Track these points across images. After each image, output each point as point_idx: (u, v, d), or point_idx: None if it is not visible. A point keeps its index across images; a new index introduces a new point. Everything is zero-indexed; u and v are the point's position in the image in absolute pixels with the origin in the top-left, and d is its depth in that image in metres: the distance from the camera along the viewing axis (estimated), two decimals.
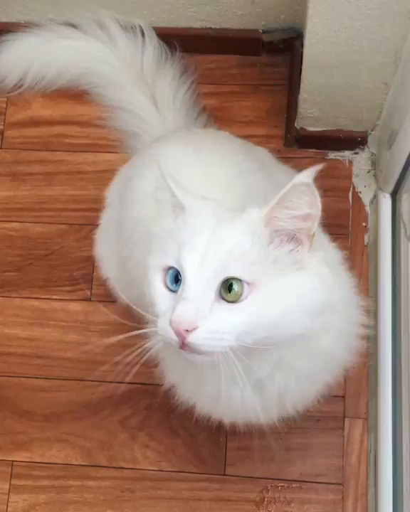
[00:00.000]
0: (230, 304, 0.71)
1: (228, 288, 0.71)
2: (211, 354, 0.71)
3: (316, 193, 0.71)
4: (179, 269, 0.73)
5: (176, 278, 0.74)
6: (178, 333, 0.70)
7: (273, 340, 0.73)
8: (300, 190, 0.70)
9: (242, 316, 0.71)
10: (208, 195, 0.92)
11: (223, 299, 0.71)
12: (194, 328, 0.70)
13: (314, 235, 0.74)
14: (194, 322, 0.70)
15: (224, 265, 0.71)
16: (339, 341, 0.84)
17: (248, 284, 0.71)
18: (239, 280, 0.71)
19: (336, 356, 0.86)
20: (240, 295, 0.71)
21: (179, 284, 0.73)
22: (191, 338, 0.70)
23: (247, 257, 0.71)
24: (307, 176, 0.70)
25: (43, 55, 1.45)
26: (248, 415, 0.92)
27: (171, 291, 0.75)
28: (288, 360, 0.76)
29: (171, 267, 0.74)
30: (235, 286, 0.71)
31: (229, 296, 0.71)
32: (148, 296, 0.78)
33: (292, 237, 0.74)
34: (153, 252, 0.79)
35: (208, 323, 0.70)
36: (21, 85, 1.49)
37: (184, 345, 0.70)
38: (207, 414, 0.98)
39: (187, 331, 0.69)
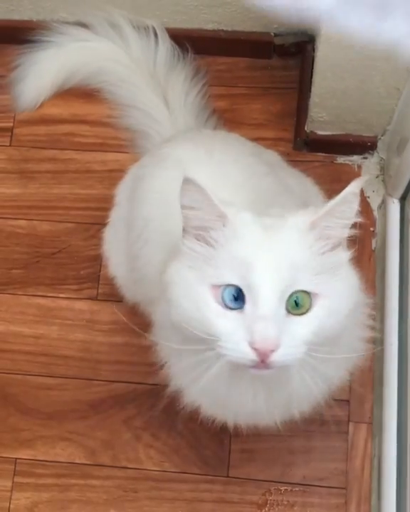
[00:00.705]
0: (297, 316, 0.72)
1: (294, 301, 0.72)
2: (282, 367, 0.73)
3: (358, 202, 0.74)
4: (243, 287, 0.72)
5: (237, 297, 0.72)
6: (262, 354, 0.70)
7: (324, 344, 0.74)
8: (350, 199, 0.73)
9: (311, 327, 0.72)
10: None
11: (289, 312, 0.72)
12: (278, 347, 0.70)
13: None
14: (278, 341, 0.70)
15: (293, 279, 0.71)
16: (349, 342, 0.85)
17: (313, 296, 0.73)
18: (306, 292, 0.72)
19: (346, 358, 0.86)
20: (308, 307, 0.73)
21: (239, 302, 0.72)
22: (275, 357, 0.70)
23: (309, 268, 0.73)
24: (356, 186, 0.73)
25: (59, 63, 1.47)
26: (258, 418, 0.92)
27: (230, 309, 0.73)
28: (312, 362, 0.77)
29: (229, 285, 0.72)
30: (303, 299, 0.72)
31: (298, 310, 0.72)
32: (193, 312, 0.74)
33: (338, 243, 0.75)
34: (186, 268, 0.76)
35: (287, 339, 0.71)
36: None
37: (262, 363, 0.71)
38: (212, 416, 0.98)
39: (272, 350, 0.70)
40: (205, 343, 0.73)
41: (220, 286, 0.73)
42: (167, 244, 0.94)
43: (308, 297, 0.73)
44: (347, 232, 0.75)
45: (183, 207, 0.75)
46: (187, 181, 0.72)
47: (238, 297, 0.72)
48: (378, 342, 1.20)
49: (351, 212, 0.74)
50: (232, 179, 0.98)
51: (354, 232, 0.76)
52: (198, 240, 0.76)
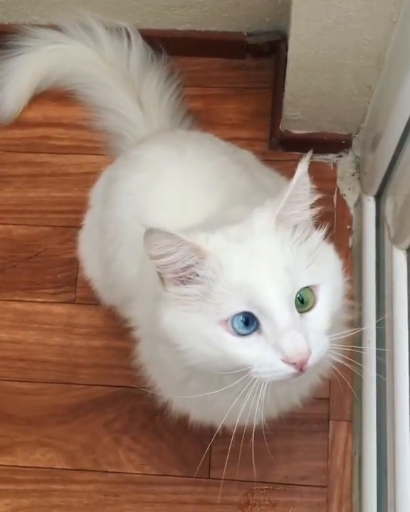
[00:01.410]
0: (308, 312, 0.72)
1: (299, 300, 0.72)
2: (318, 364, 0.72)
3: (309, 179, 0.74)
4: (251, 311, 0.70)
5: (247, 320, 0.71)
6: (301, 364, 0.69)
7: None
8: (304, 181, 0.72)
9: (325, 316, 0.73)
10: (190, 201, 0.92)
11: (299, 312, 0.72)
12: (311, 352, 0.70)
13: None
14: (309, 346, 0.69)
15: (293, 281, 0.71)
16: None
17: (314, 287, 0.72)
18: (306, 288, 0.72)
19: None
20: (314, 300, 0.72)
21: (251, 326, 0.71)
22: (311, 361, 0.70)
23: (299, 263, 0.72)
24: (305, 166, 0.72)
25: (34, 67, 1.46)
26: (258, 416, 0.92)
27: (243, 335, 0.71)
28: None
29: (236, 314, 0.71)
30: (307, 295, 0.72)
31: (306, 307, 0.72)
32: (213, 353, 0.71)
33: (308, 227, 0.75)
34: (182, 314, 0.73)
35: (314, 339, 0.71)
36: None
37: (301, 371, 0.70)
38: (203, 421, 0.98)
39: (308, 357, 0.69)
40: (233, 374, 0.72)
41: (230, 317, 0.71)
42: (141, 248, 0.93)
43: (310, 291, 0.72)
44: (311, 213, 0.75)
45: (153, 258, 0.71)
46: (150, 232, 0.69)
47: (248, 321, 0.71)
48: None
49: (307, 193, 0.73)
50: (204, 179, 0.97)
51: (316, 210, 0.76)
52: (183, 283, 0.73)
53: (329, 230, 1.38)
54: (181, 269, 0.72)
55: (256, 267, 0.70)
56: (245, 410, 0.74)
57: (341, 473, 1.28)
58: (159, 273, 0.74)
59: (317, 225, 0.78)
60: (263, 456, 1.29)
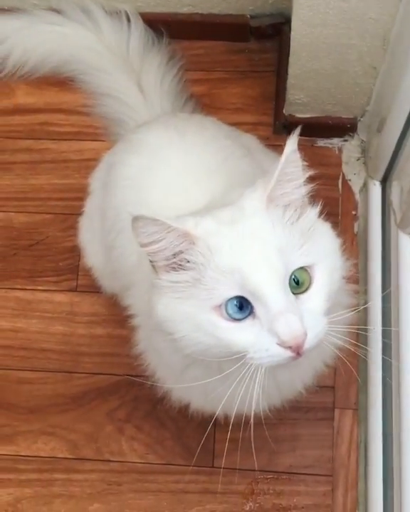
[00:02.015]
0: (304, 294, 0.71)
1: (294, 282, 0.70)
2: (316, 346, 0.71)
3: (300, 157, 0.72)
4: (244, 295, 0.69)
5: (241, 304, 0.69)
6: (297, 348, 0.68)
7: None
8: (292, 158, 0.70)
9: (322, 296, 0.71)
10: (191, 185, 0.90)
11: (295, 294, 0.70)
12: (306, 334, 0.68)
13: None
14: (304, 329, 0.68)
15: (285, 262, 0.69)
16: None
17: (309, 267, 0.71)
18: (301, 268, 0.70)
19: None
20: (309, 280, 0.71)
21: (245, 310, 0.69)
22: (307, 344, 0.68)
23: (292, 244, 0.70)
24: (293, 143, 0.70)
25: (25, 39, 1.43)
26: (260, 404, 0.91)
27: (238, 320, 0.70)
28: None
29: (230, 299, 0.69)
30: (302, 276, 0.70)
31: (302, 288, 0.70)
32: (208, 340, 0.70)
33: (301, 206, 0.73)
34: (175, 301, 0.71)
35: (310, 321, 0.69)
36: (1, 70, 1.45)
37: (298, 355, 0.69)
38: (203, 410, 0.96)
39: (303, 340, 0.68)
40: (230, 360, 0.71)
41: (223, 302, 0.69)
42: None
43: (305, 271, 0.71)
44: (303, 191, 0.73)
45: (142, 245, 0.70)
46: (136, 219, 0.68)
47: (242, 305, 0.69)
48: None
49: (299, 170, 0.72)
50: (206, 162, 0.96)
51: (309, 187, 0.74)
52: (175, 269, 0.72)
53: (335, 215, 1.39)
54: (171, 255, 0.71)
55: (247, 250, 0.69)
56: (246, 397, 0.72)
57: (346, 462, 1.27)
58: (150, 261, 0.73)
59: (312, 203, 0.76)
60: (268, 444, 1.28)
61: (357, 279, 1.32)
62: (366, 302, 1.27)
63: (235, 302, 0.69)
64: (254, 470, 1.27)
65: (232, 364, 0.71)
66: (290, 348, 0.68)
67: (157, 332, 0.77)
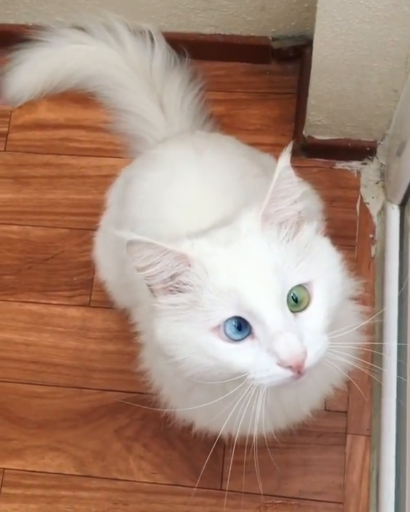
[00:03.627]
0: (303, 312, 0.70)
1: (293, 300, 0.69)
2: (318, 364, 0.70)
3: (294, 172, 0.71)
4: (242, 315, 0.68)
5: (239, 325, 0.69)
6: (297, 367, 0.67)
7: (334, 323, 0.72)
8: (286, 175, 0.69)
9: (322, 313, 0.70)
10: (205, 202, 0.90)
11: (294, 312, 0.69)
12: (306, 353, 0.67)
13: None
14: (304, 347, 0.67)
15: (282, 281, 0.68)
16: (345, 317, 0.82)
17: (307, 284, 0.70)
18: (299, 286, 0.69)
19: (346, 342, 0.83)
20: (308, 298, 0.70)
21: (244, 331, 0.69)
22: (308, 363, 0.67)
23: (289, 262, 0.69)
24: (286, 159, 0.69)
25: (54, 63, 1.45)
26: (266, 426, 0.89)
27: (237, 340, 0.69)
28: None
29: (228, 319, 0.69)
30: (300, 294, 0.69)
31: (300, 306, 0.70)
32: (207, 362, 0.70)
33: (297, 222, 0.73)
34: (174, 324, 0.71)
35: (310, 339, 0.68)
36: (32, 94, 1.48)
37: (299, 374, 0.68)
38: (207, 430, 0.95)
39: (303, 359, 0.67)
40: (233, 380, 0.70)
41: (221, 324, 0.69)
42: None
43: (303, 289, 0.70)
44: (299, 207, 0.72)
45: (139, 269, 0.70)
46: (131, 243, 0.68)
47: (240, 326, 0.69)
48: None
49: (293, 187, 0.71)
50: (222, 179, 0.95)
51: (304, 204, 0.73)
52: (172, 292, 0.72)
53: (352, 238, 1.38)
54: (168, 278, 0.71)
55: (243, 270, 0.68)
56: (250, 418, 0.71)
57: (357, 489, 1.24)
58: (147, 285, 0.72)
59: (309, 220, 0.75)
60: (277, 468, 1.26)
61: (365, 299, 1.31)
62: (376, 324, 1.26)
63: (233, 323, 0.68)
64: (263, 494, 1.24)
65: (236, 384, 0.70)
66: (290, 367, 0.67)
67: (160, 355, 0.76)
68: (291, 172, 0.70)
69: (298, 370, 0.67)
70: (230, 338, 0.69)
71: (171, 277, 0.71)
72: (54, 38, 1.44)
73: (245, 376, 0.69)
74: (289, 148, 0.70)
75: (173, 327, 0.71)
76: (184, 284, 0.70)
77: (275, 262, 0.69)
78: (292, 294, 0.69)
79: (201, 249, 0.70)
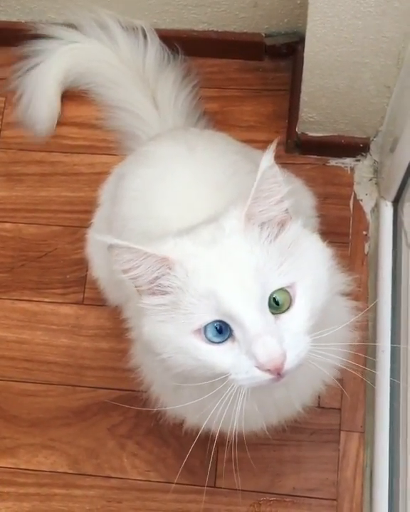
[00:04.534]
0: (285, 313, 0.69)
1: (274, 302, 0.69)
2: (299, 366, 0.70)
3: (279, 171, 0.69)
4: (222, 318, 0.68)
5: (221, 328, 0.69)
6: (276, 370, 0.67)
7: (319, 322, 0.72)
8: (270, 175, 0.68)
9: (304, 315, 0.70)
10: (197, 198, 0.90)
11: (275, 314, 0.69)
12: (286, 356, 0.67)
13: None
14: (283, 350, 0.67)
15: (263, 284, 0.68)
16: (336, 313, 0.82)
17: (289, 287, 0.69)
18: (281, 289, 0.69)
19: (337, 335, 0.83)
20: (290, 300, 0.69)
21: (225, 333, 0.69)
22: (287, 365, 0.67)
23: (271, 264, 0.69)
24: (268, 159, 0.68)
25: (55, 74, 1.45)
26: (258, 423, 0.90)
27: (218, 343, 0.69)
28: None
29: (208, 323, 0.69)
30: (282, 296, 0.69)
31: (282, 308, 0.69)
32: (190, 362, 0.71)
33: (282, 221, 0.72)
34: (158, 324, 0.72)
35: (290, 341, 0.68)
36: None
37: (279, 376, 0.68)
38: (199, 427, 0.95)
39: (282, 362, 0.67)
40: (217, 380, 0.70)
41: (203, 327, 0.69)
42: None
43: (285, 292, 0.69)
44: (284, 206, 0.71)
45: (122, 272, 0.70)
46: (111, 248, 0.68)
47: (222, 328, 0.69)
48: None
49: (277, 186, 0.70)
50: (214, 176, 0.95)
51: (290, 202, 0.72)
52: (155, 294, 0.72)
53: (345, 235, 1.38)
54: (150, 281, 0.71)
55: (223, 274, 0.68)
56: (237, 415, 0.71)
57: (351, 486, 1.24)
58: (133, 285, 0.72)
59: (295, 217, 0.74)
60: (271, 466, 1.26)
61: (359, 296, 1.31)
62: (369, 320, 1.26)
63: (215, 325, 0.69)
64: (257, 491, 1.24)
65: (222, 381, 0.70)
66: (269, 370, 0.67)
67: (149, 352, 0.77)
68: (275, 171, 0.69)
69: (278, 373, 0.67)
70: (211, 341, 0.69)
71: (152, 280, 0.71)
72: (48, 44, 1.43)
73: (227, 377, 0.69)
74: (272, 146, 0.68)
75: (157, 327, 0.71)
76: (166, 287, 0.71)
77: (257, 264, 0.68)
78: (273, 297, 0.69)
79: (183, 251, 0.70)
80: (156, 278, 0.70)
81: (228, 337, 0.69)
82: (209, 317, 0.68)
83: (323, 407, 1.27)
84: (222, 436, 0.92)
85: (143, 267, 0.69)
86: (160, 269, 0.70)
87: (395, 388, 1.23)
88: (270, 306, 0.69)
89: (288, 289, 0.69)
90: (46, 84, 1.45)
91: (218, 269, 0.68)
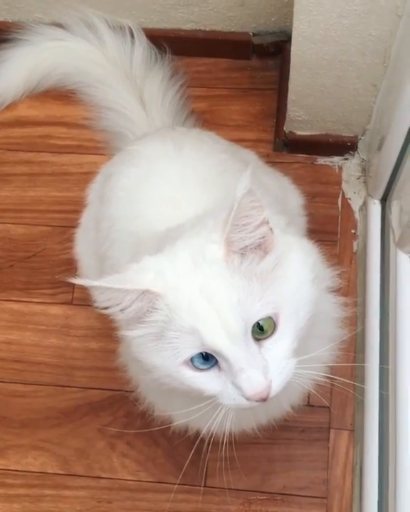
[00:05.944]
0: (268, 339, 0.69)
1: (258, 329, 0.68)
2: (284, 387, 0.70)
3: (258, 195, 0.66)
4: (207, 351, 0.68)
5: (207, 355, 0.69)
6: (262, 398, 0.68)
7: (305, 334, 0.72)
8: (248, 200, 0.66)
9: (288, 338, 0.69)
10: (185, 198, 0.89)
11: (258, 340, 0.69)
12: (270, 384, 0.68)
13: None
14: (267, 380, 0.67)
15: (246, 315, 0.67)
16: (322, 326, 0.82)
17: (273, 314, 0.68)
18: (265, 318, 0.68)
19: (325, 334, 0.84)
20: (274, 325, 0.69)
21: (211, 360, 0.69)
22: (273, 393, 0.68)
23: (253, 292, 0.67)
24: (245, 185, 0.64)
25: (32, 62, 1.45)
26: (248, 423, 0.91)
27: (205, 369, 0.70)
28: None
29: (195, 355, 0.69)
30: (266, 323, 0.68)
31: (266, 333, 0.69)
32: (179, 386, 0.72)
33: (263, 242, 0.70)
34: (146, 353, 0.71)
35: (274, 370, 0.68)
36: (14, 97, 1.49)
37: (265, 400, 0.69)
38: (186, 426, 0.95)
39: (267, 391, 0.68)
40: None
41: (186, 359, 0.69)
42: (133, 245, 0.90)
43: (269, 318, 0.68)
44: (264, 228, 0.69)
45: (106, 309, 0.69)
46: (93, 288, 0.68)
47: (207, 355, 0.69)
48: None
49: (256, 212, 0.67)
50: (201, 175, 0.95)
51: (268, 227, 0.69)
52: (140, 324, 0.70)
53: (334, 233, 1.38)
54: (133, 316, 0.69)
55: (204, 311, 0.67)
56: (227, 418, 0.72)
57: (341, 484, 1.24)
58: (118, 320, 0.72)
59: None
60: (261, 465, 1.26)
61: (347, 292, 1.32)
62: (357, 315, 1.26)
63: (202, 353, 0.69)
64: (247, 490, 1.24)
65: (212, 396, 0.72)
66: (257, 400, 0.68)
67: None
68: (253, 197, 0.66)
69: (264, 398, 0.68)
70: (199, 368, 0.70)
71: (135, 314, 0.69)
72: (32, 36, 1.43)
73: (215, 398, 0.71)
74: (248, 173, 0.65)
75: (144, 355, 0.71)
76: (150, 321, 0.70)
77: (238, 298, 0.67)
78: (257, 324, 0.68)
79: (164, 282, 0.68)
80: (139, 312, 0.69)
81: (215, 363, 0.69)
82: (195, 350, 0.68)
83: (312, 406, 1.27)
84: (205, 436, 0.93)
85: (124, 302, 0.68)
86: (142, 303, 0.68)
87: (384, 385, 1.23)
88: (253, 332, 0.68)
89: (272, 315, 0.69)
90: (18, 64, 1.44)
91: (199, 306, 0.67)
